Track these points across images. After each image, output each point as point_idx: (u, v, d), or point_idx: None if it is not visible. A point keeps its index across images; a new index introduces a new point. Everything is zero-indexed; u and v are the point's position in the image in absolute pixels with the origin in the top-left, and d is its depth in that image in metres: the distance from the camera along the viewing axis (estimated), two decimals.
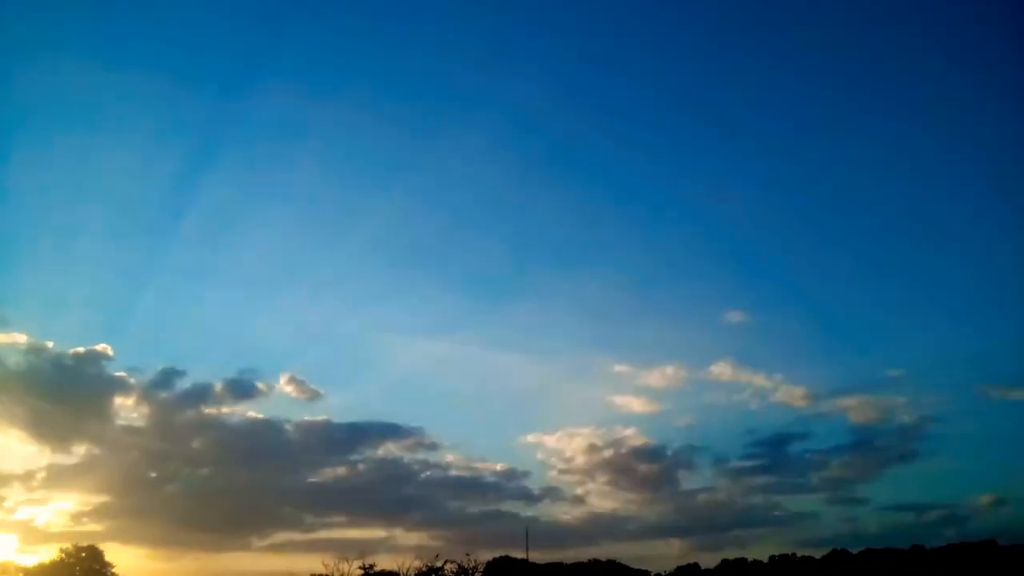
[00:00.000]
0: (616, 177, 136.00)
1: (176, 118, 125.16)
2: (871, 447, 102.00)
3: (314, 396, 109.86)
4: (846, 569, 79.35)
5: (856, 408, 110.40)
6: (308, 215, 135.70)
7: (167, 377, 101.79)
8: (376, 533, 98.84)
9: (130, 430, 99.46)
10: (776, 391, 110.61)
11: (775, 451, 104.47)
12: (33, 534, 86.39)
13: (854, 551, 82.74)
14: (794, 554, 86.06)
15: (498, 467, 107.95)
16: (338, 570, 68.51)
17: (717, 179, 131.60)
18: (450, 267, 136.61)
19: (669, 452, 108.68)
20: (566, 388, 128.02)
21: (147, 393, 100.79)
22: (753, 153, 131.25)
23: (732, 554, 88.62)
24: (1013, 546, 74.82)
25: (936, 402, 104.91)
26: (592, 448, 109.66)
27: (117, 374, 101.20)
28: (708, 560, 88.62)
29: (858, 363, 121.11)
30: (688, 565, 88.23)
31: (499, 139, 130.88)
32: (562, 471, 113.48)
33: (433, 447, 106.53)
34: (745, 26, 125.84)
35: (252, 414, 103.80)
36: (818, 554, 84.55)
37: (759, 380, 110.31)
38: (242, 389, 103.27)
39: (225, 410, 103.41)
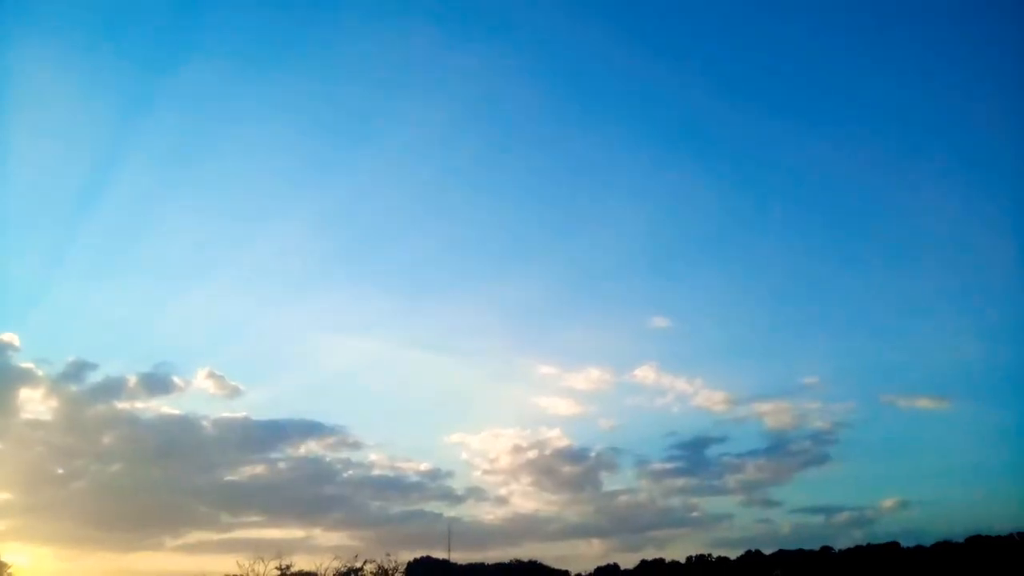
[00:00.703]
0: (546, 183, 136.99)
1: (90, 106, 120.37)
2: (785, 451, 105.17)
3: (233, 392, 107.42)
4: (760, 570, 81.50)
5: (772, 413, 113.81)
6: (233, 207, 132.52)
7: (77, 370, 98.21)
8: (295, 533, 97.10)
9: (36, 424, 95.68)
10: (697, 396, 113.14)
11: (694, 454, 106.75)
12: None
13: (767, 552, 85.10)
14: (710, 555, 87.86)
15: (422, 467, 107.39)
16: (253, 571, 66.53)
17: (642, 190, 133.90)
18: (378, 266, 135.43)
19: (592, 454, 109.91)
20: (492, 389, 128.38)
21: (56, 386, 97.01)
22: (678, 168, 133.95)
23: (651, 554, 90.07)
24: (915, 548, 78.03)
25: (846, 409, 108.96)
26: (516, 449, 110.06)
27: (23, 365, 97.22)
28: (627, 560, 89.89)
29: (775, 370, 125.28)
30: (608, 565, 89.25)
31: (431, 141, 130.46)
32: (486, 472, 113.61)
33: (356, 446, 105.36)
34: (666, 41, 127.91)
35: (167, 410, 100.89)
36: (733, 555, 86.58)
37: (681, 385, 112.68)
38: (157, 384, 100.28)
39: (139, 405, 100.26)
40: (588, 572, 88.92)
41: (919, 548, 77.80)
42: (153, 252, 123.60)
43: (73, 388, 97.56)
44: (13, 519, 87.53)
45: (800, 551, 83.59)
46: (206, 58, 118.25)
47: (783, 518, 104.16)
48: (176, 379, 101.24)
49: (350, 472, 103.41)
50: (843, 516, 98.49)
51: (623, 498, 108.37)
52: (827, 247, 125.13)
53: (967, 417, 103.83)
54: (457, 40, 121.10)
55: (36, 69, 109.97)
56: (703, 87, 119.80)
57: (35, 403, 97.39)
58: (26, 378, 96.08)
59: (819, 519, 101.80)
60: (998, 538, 74.61)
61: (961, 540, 75.84)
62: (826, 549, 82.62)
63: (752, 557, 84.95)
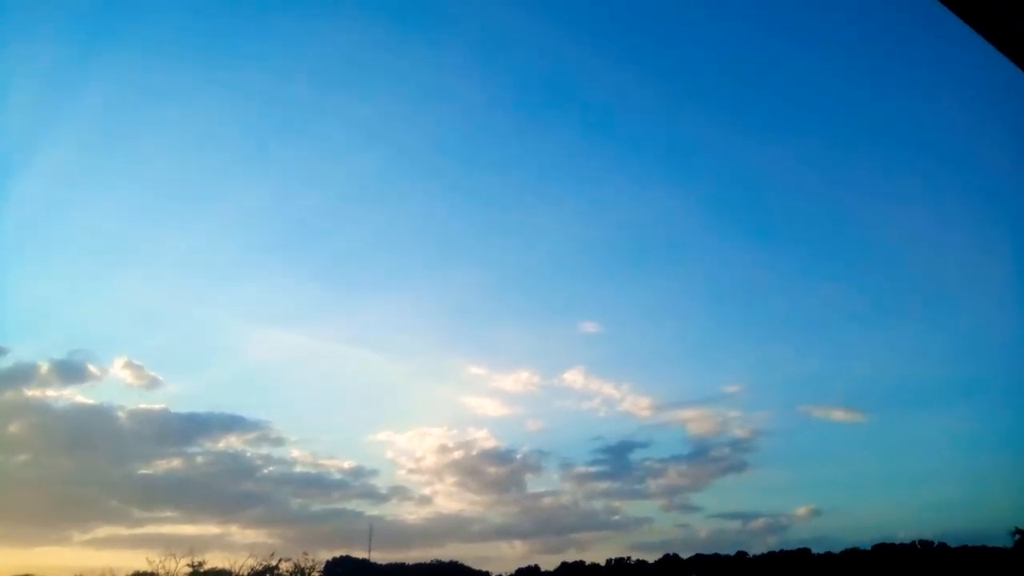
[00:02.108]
0: (483, 184, 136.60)
1: (11, 80, 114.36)
2: (706, 458, 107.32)
3: (152, 383, 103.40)
4: (677, 573, 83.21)
5: (695, 420, 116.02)
6: (162, 191, 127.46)
7: None
8: (210, 529, 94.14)
9: None
10: (623, 400, 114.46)
11: (618, 458, 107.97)
12: None
13: (685, 556, 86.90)
14: (629, 558, 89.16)
15: (346, 465, 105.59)
16: (164, 567, 64.36)
17: (575, 196, 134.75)
18: (310, 259, 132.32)
19: (518, 455, 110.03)
20: (421, 387, 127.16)
21: None
22: (610, 175, 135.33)
23: (572, 556, 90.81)
24: (825, 554, 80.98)
25: (765, 418, 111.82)
26: (443, 449, 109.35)
27: None
28: (549, 562, 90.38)
29: (699, 378, 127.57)
30: (529, 567, 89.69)
31: (370, 135, 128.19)
32: (411, 471, 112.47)
33: (279, 442, 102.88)
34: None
35: (81, 399, 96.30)
36: (651, 558, 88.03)
37: (608, 389, 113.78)
38: (72, 371, 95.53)
39: (51, 393, 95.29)
40: (509, 573, 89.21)
41: (829, 554, 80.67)
42: (74, 234, 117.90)
43: None
44: None
45: (716, 556, 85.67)
46: (141, 39, 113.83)
47: (701, 523, 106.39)
48: (92, 367, 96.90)
49: (271, 468, 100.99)
50: (759, 522, 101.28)
51: (547, 500, 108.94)
52: (753, 257, 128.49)
53: (878, 430, 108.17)
54: (403, 33, 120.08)
55: None
56: (643, 95, 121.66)
57: None
58: None
59: (736, 524, 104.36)
60: (901, 546, 78.16)
61: (868, 547, 79.04)
62: (741, 554, 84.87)
63: (670, 561, 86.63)
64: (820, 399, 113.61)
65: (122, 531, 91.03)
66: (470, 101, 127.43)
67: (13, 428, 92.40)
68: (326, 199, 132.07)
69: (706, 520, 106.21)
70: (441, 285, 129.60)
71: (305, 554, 72.70)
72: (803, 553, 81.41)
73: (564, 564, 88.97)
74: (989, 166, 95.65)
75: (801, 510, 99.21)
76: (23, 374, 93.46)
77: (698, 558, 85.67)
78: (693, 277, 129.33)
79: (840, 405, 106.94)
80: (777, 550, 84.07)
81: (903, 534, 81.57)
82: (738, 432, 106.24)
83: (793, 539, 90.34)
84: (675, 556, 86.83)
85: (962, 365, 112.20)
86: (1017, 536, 66.49)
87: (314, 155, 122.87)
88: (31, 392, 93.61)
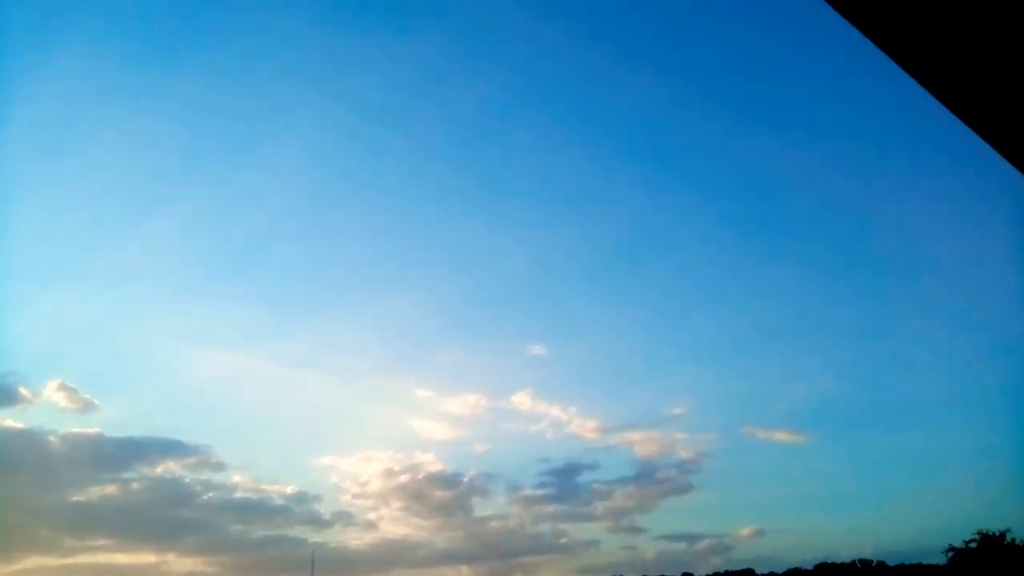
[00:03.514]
0: (426, 204, 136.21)
1: None
2: (652, 479, 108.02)
3: (87, 406, 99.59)
4: None
5: (641, 442, 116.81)
6: (96, 205, 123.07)
7: None
8: (146, 558, 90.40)
9: None
10: (571, 423, 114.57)
11: (565, 480, 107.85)
12: None
13: None
14: None
15: (288, 490, 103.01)
16: None
17: (522, 217, 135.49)
18: (250, 277, 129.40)
19: (465, 479, 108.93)
20: (365, 410, 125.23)
21: None
22: (555, 198, 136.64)
23: None
24: (768, 574, 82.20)
25: (709, 439, 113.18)
26: (388, 473, 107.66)
27: None
28: None
29: (645, 400, 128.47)
30: None
31: (312, 151, 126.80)
32: (356, 495, 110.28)
33: (219, 467, 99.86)
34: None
35: (10, 423, 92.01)
36: None
37: (555, 412, 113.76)
38: (2, 395, 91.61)
39: None
40: None
41: (772, 574, 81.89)
42: (3, 250, 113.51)
43: None
44: None
45: None
46: (80, 44, 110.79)
47: (648, 544, 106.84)
48: (23, 390, 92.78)
49: (211, 494, 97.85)
50: (703, 543, 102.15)
51: (494, 523, 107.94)
52: (694, 277, 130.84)
53: (817, 451, 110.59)
54: (355, 35, 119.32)
55: None
56: (616, 79, 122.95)
57: None
58: None
59: (681, 546, 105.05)
60: (842, 565, 79.72)
61: (810, 567, 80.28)
62: (687, 575, 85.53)
63: None
64: (762, 420, 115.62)
65: (52, 561, 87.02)
66: (424, 115, 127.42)
67: None
68: (268, 217, 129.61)
69: (652, 542, 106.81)
70: (387, 306, 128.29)
71: None
72: (747, 573, 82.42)
73: None
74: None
75: (745, 531, 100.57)
76: None
77: None
78: (639, 298, 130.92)
79: (782, 426, 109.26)
80: (722, 571, 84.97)
81: (844, 553, 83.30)
82: (683, 454, 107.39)
83: (737, 559, 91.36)
84: None
85: (902, 384, 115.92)
86: (951, 554, 68.61)
87: (256, 171, 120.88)
88: None
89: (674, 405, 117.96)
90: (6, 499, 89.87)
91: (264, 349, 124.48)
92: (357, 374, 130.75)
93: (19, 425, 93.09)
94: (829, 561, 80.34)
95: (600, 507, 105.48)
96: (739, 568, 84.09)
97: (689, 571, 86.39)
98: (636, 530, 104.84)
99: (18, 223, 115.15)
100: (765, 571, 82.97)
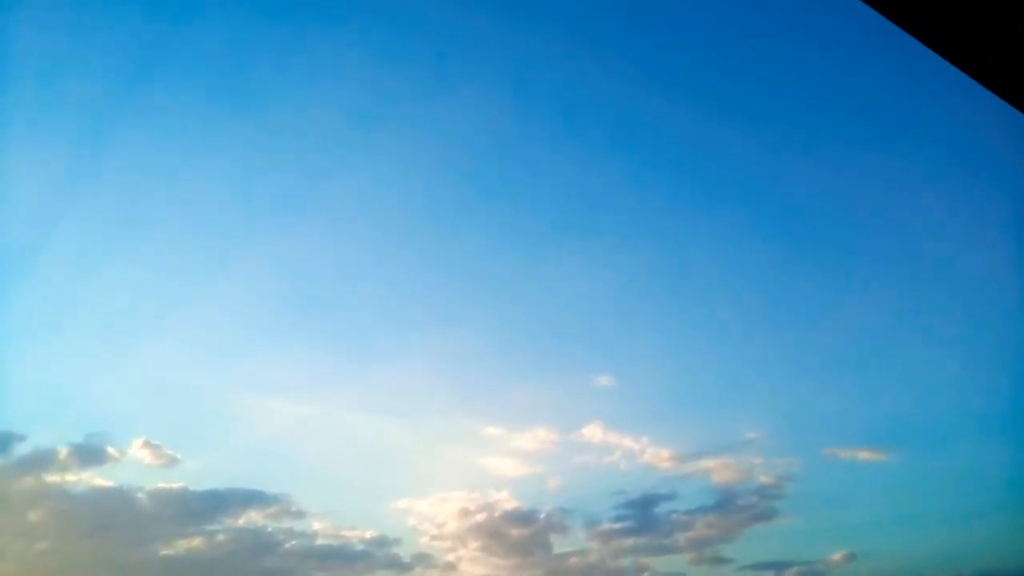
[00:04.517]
0: (490, 238, 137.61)
1: (23, 164, 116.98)
2: (733, 507, 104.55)
3: (171, 461, 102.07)
4: None
5: (717, 469, 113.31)
6: (164, 268, 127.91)
7: (4, 441, 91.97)
8: None
9: None
10: (644, 453, 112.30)
11: (643, 512, 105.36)
12: None
13: None
14: None
15: (367, 534, 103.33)
16: None
17: (587, 247, 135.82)
18: (317, 326, 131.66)
19: (541, 515, 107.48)
20: (437, 451, 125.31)
21: None
22: (624, 226, 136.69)
23: None
24: None
25: (789, 463, 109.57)
26: (464, 512, 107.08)
27: None
28: None
29: (718, 426, 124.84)
30: None
31: (370, 194, 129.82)
32: (433, 537, 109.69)
33: (299, 515, 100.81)
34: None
35: (100, 482, 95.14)
36: None
37: (627, 443, 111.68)
38: (90, 454, 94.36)
39: (70, 477, 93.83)
40: None
41: None
42: (86, 315, 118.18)
43: None
44: None
45: None
46: (149, 114, 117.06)
47: (734, 575, 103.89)
48: (110, 449, 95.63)
49: (293, 542, 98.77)
50: (792, 571, 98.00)
51: (574, 560, 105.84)
52: (759, 298, 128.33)
53: (907, 467, 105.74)
54: (423, 80, 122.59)
55: None
56: (665, 114, 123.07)
57: None
58: None
59: (769, 575, 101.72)
60: None
61: None
62: None
63: None
64: (843, 440, 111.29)
65: None
66: (472, 151, 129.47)
67: (33, 516, 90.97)
68: (332, 265, 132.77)
69: (738, 572, 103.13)
70: (453, 345, 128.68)
71: None
72: None
73: None
74: None
75: (836, 556, 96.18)
76: (42, 460, 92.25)
77: None
78: (704, 320, 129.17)
79: (866, 445, 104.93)
80: None
81: (944, 573, 79.16)
82: (763, 479, 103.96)
83: None
84: None
85: (998, 395, 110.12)
86: None
87: (321, 222, 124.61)
88: (51, 478, 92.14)
89: (748, 429, 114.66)
90: (101, 556, 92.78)
91: (334, 395, 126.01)
92: (426, 415, 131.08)
93: (109, 483, 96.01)
94: None
95: (681, 538, 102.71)
96: None
97: None
98: (721, 560, 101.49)
99: (95, 287, 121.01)
100: None
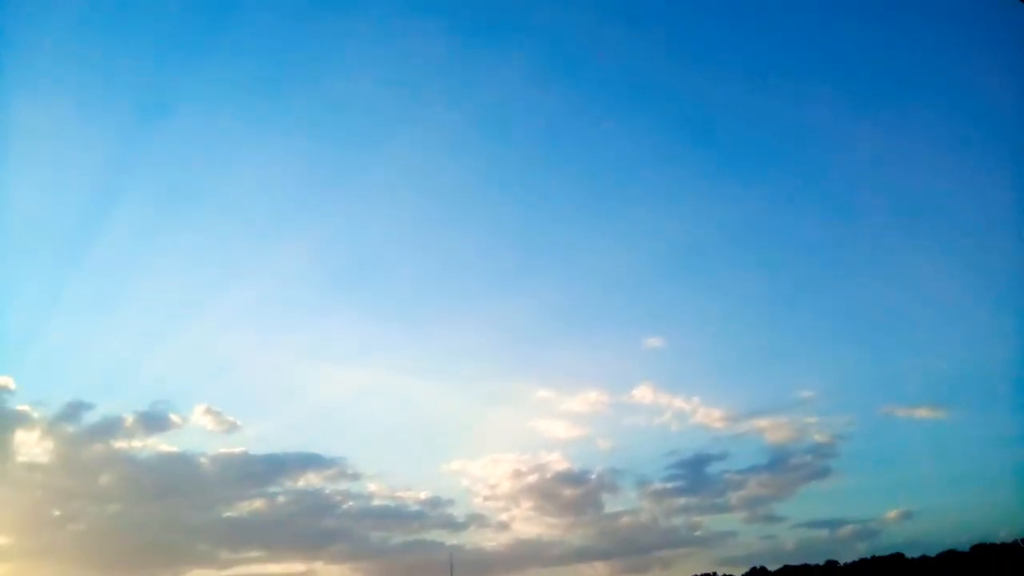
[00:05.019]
0: (538, 204, 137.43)
1: (84, 142, 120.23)
2: (786, 466, 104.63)
3: (231, 427, 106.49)
4: None
5: (771, 428, 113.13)
6: (222, 240, 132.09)
7: (74, 410, 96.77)
8: (296, 567, 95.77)
9: (32, 466, 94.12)
10: (695, 413, 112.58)
11: (695, 472, 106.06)
12: None
13: (773, 568, 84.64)
14: (715, 573, 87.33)
15: (422, 495, 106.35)
16: None
17: (633, 212, 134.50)
18: (370, 294, 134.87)
19: (593, 476, 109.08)
20: (490, 414, 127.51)
21: (52, 427, 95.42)
22: (670, 190, 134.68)
23: (656, 575, 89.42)
24: (920, 558, 77.87)
25: (844, 421, 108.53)
26: (516, 474, 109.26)
27: (19, 408, 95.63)
28: None
29: (771, 385, 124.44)
30: None
31: (421, 163, 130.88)
32: (487, 498, 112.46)
33: (355, 477, 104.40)
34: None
35: (165, 447, 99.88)
36: (738, 572, 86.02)
37: (678, 403, 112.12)
38: (155, 422, 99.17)
39: (136, 444, 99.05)
40: None
41: (924, 558, 77.54)
42: (149, 288, 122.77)
43: (70, 429, 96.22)
44: (11, 563, 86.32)
45: (805, 566, 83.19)
46: (202, 100, 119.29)
47: (787, 533, 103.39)
48: (173, 416, 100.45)
49: (350, 504, 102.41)
50: (847, 529, 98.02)
51: (625, 519, 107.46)
52: (817, 258, 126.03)
53: (965, 425, 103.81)
54: (463, 55, 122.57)
55: (30, 106, 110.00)
56: (702, 83, 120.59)
57: (31, 445, 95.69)
58: (22, 420, 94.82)
59: (823, 533, 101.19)
60: (1002, 545, 74.45)
61: (966, 549, 75.66)
62: (831, 563, 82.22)
63: (758, 574, 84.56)
64: (901, 398, 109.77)
65: (212, 573, 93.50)
66: (535, 116, 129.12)
67: (104, 480, 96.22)
68: (385, 233, 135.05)
69: (792, 530, 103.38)
70: (503, 310, 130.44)
71: None
72: (896, 558, 78.46)
73: None
74: None
75: (891, 514, 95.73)
76: (110, 427, 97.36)
77: (786, 569, 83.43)
78: (757, 282, 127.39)
79: (923, 403, 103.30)
80: (868, 556, 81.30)
81: (1004, 533, 77.84)
82: (818, 438, 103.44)
83: (884, 545, 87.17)
84: (763, 569, 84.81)
85: None
86: None
87: (372, 191, 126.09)
88: (118, 444, 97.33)
89: (801, 388, 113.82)
90: (168, 518, 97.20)
91: (388, 360, 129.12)
92: (478, 379, 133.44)
93: (173, 449, 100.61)
94: (987, 542, 75.36)
95: (734, 497, 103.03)
96: (887, 553, 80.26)
97: (833, 559, 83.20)
98: (774, 519, 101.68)
99: (157, 264, 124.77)
100: (916, 555, 78.73)
